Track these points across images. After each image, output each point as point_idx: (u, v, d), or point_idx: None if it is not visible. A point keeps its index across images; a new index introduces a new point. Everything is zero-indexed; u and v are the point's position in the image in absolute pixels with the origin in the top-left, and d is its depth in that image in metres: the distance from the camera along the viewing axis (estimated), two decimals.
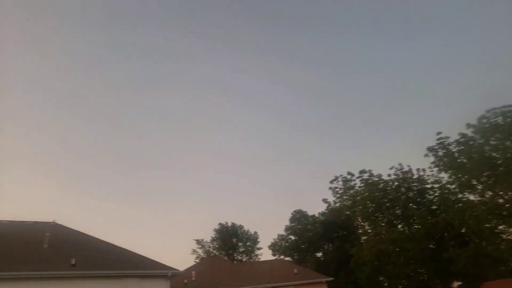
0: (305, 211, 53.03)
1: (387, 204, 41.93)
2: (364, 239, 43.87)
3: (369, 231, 43.91)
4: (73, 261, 16.91)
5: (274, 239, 54.21)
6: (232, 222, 58.14)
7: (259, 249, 58.28)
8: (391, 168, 42.96)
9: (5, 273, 15.24)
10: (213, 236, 57.85)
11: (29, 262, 16.54)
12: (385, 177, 43.28)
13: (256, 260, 55.29)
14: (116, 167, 70.39)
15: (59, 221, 21.72)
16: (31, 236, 19.33)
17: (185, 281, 28.36)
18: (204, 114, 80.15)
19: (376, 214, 42.72)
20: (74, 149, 66.78)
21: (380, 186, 42.61)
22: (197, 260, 52.97)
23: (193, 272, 30.27)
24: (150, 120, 74.46)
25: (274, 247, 53.51)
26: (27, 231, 20.05)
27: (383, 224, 42.01)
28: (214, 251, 56.57)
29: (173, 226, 76.54)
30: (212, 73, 74.39)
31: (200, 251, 56.94)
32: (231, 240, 57.21)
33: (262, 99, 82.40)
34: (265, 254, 59.82)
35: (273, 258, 49.79)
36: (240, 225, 58.33)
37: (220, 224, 58.08)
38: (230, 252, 56.71)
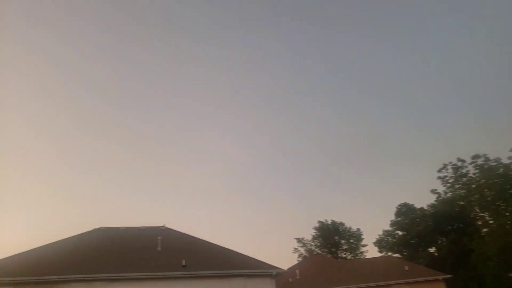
0: (412, 204, 49.28)
1: (511, 191, 36.63)
2: (486, 231, 39.00)
3: (491, 222, 38.88)
4: (183, 262, 17.85)
5: (379, 235, 51.46)
6: (331, 220, 56.72)
7: (363, 246, 55.85)
8: None
9: (124, 274, 16.62)
10: (314, 234, 57.07)
11: (145, 264, 17.83)
12: (504, 161, 37.99)
13: (362, 257, 53.03)
14: (219, 171, 73.44)
15: (168, 225, 23.18)
16: (145, 240, 20.90)
17: (290, 279, 28.16)
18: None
19: (498, 203, 37.64)
20: (175, 158, 71.68)
21: (500, 171, 37.49)
22: (299, 259, 52.73)
23: (297, 271, 29.94)
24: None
25: (380, 244, 50.74)
26: (141, 235, 21.76)
27: (507, 213, 36.79)
28: (316, 249, 55.76)
29: (273, 225, 77.57)
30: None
31: (301, 249, 56.60)
32: (333, 238, 55.79)
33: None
34: (370, 251, 57.12)
35: (380, 255, 47.14)
36: (341, 222, 56.60)
37: (320, 222, 57.10)
38: (333, 250, 55.32)
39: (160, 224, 23.12)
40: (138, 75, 61.82)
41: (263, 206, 77.99)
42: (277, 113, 76.66)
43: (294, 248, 57.10)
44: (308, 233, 57.85)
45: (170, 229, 22.92)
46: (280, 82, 76.75)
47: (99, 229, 22.15)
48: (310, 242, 57.42)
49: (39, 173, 52.46)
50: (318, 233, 56.96)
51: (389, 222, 50.35)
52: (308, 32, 69.90)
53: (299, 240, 57.52)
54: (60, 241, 20.10)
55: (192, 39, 62.17)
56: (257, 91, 76.30)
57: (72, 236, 20.82)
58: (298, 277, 28.93)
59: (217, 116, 72.09)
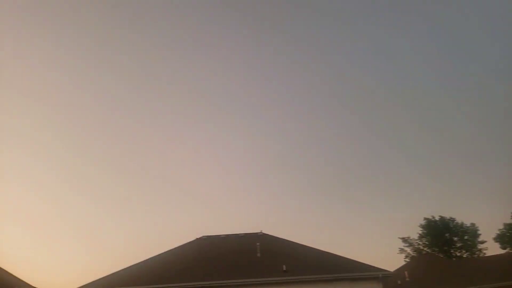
0: None
1: None
2: None
3: None
4: (284, 267, 17.68)
5: (499, 229, 45.62)
6: (439, 216, 51.90)
7: (481, 242, 49.93)
8: None
9: (228, 281, 17.02)
10: (420, 232, 52.78)
11: (246, 270, 18.05)
12: None
13: (481, 255, 47.44)
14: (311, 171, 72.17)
15: (265, 231, 23.28)
16: (245, 247, 21.23)
17: (399, 281, 26.21)
18: None
19: None
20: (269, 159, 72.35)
21: None
22: (407, 260, 49.09)
23: (406, 272, 27.76)
24: None
25: (502, 239, 44.91)
26: (240, 242, 22.18)
27: None
28: (424, 249, 51.45)
29: (373, 225, 73.69)
30: None
31: (408, 249, 52.70)
32: (444, 235, 50.91)
33: None
34: (491, 248, 50.83)
35: (504, 251, 41.66)
36: (451, 218, 51.46)
37: (426, 219, 52.67)
38: (445, 248, 50.45)
39: (257, 230, 23.35)
40: None
41: (360, 205, 74.57)
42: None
43: (399, 248, 53.42)
44: (414, 232, 53.63)
45: (267, 234, 23.01)
46: None
47: (200, 238, 23.14)
48: (417, 241, 53.19)
49: (147, 188, 56.57)
50: (425, 231, 52.55)
51: (510, 215, 44.42)
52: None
53: (405, 240, 53.62)
54: (166, 252, 21.42)
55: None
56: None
57: (177, 247, 22.04)
58: (407, 279, 26.80)
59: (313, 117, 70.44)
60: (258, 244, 20.38)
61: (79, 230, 47.86)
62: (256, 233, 23.04)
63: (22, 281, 22.12)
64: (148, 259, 20.34)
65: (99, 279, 17.95)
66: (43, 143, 49.93)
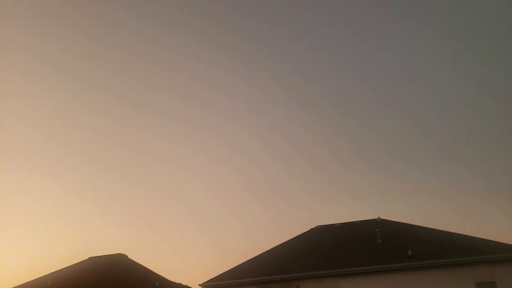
0: None
1: None
2: None
3: None
4: (409, 253, 16.64)
5: None
6: None
7: None
8: None
9: (351, 269, 16.68)
10: None
11: (369, 258, 17.41)
12: None
13: None
14: None
15: (382, 217, 22.19)
16: (363, 234, 20.50)
17: None
18: None
19: None
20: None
21: None
22: None
23: None
24: None
25: None
26: (358, 230, 21.48)
27: None
28: None
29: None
30: None
31: None
32: None
33: None
34: None
35: None
36: None
37: None
38: None
39: (374, 216, 22.37)
40: None
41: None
42: None
43: None
44: None
45: (386, 220, 21.88)
46: None
47: (315, 228, 23.04)
48: None
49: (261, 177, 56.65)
50: None
51: None
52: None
53: None
54: (284, 243, 21.81)
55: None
56: None
57: (294, 238, 22.28)
58: None
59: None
60: (377, 230, 19.53)
61: (209, 228, 51.66)
62: (374, 219, 22.09)
63: (162, 277, 24.65)
64: (266, 251, 20.94)
65: (225, 272, 19.08)
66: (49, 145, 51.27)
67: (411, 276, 16.12)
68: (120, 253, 25.84)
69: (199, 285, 18.50)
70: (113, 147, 52.98)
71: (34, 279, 23.58)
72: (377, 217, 22.14)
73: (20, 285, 23.06)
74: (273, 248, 21.23)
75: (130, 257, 26.05)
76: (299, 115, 54.02)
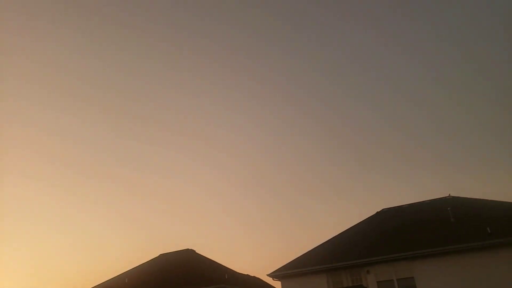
0: None
1: None
2: None
3: None
4: (488, 230, 15.49)
5: None
6: None
7: None
8: None
9: (425, 251, 15.86)
10: None
11: (443, 238, 16.46)
12: None
13: None
14: None
15: (454, 194, 20.90)
16: (434, 213, 19.44)
17: None
18: None
19: None
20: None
21: None
22: None
23: None
24: None
25: None
26: (427, 210, 20.41)
27: None
28: None
29: None
30: None
31: None
32: None
33: None
34: None
35: None
36: None
37: None
38: None
39: (445, 194, 21.09)
40: None
41: None
42: None
43: None
44: None
45: (458, 197, 20.55)
46: None
47: (381, 211, 22.24)
48: None
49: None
50: None
51: None
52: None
53: None
54: (349, 229, 21.27)
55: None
56: None
57: (359, 223, 21.65)
58: None
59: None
60: (449, 208, 18.38)
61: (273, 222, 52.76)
62: (445, 197, 20.83)
63: (230, 269, 25.21)
64: (331, 238, 20.53)
65: (292, 260, 19.02)
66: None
67: (491, 255, 15.02)
68: (188, 249, 26.71)
69: (267, 275, 18.60)
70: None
71: (113, 277, 25.08)
72: (448, 195, 20.88)
73: (100, 283, 24.66)
74: (338, 234, 20.80)
75: (198, 251, 26.86)
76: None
